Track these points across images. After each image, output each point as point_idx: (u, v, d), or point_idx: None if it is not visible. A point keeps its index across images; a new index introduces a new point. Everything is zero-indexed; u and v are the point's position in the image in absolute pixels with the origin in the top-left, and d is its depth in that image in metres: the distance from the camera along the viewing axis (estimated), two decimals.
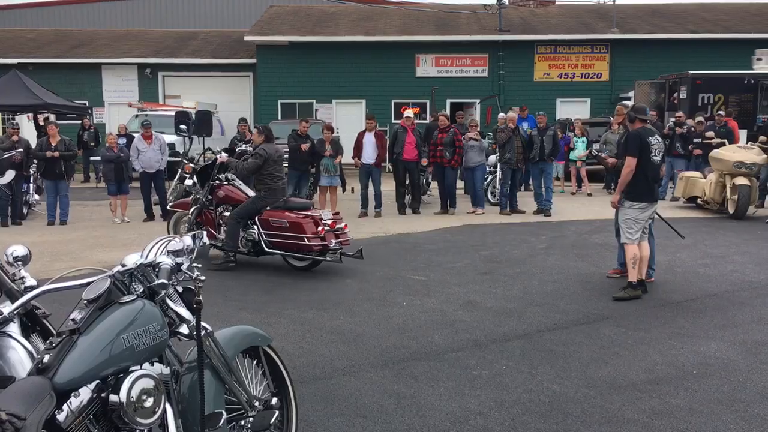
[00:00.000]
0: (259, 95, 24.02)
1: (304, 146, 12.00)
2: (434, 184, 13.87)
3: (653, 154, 6.71)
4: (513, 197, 12.96)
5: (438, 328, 5.76)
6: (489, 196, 13.70)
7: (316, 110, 23.16)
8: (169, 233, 9.26)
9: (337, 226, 8.00)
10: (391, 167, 13.10)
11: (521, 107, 16.49)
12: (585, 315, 6.18)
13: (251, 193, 8.50)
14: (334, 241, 7.85)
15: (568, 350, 5.22)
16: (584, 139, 15.76)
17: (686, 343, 5.38)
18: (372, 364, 4.92)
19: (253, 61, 24.02)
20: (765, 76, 17.70)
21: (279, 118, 22.48)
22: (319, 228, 7.72)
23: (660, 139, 6.97)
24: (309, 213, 7.97)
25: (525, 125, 14.03)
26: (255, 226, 8.07)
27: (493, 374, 4.71)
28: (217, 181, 8.68)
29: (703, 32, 23.18)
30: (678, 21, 24.62)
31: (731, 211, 11.74)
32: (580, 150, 15.55)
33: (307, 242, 7.67)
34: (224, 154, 8.85)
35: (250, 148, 9.01)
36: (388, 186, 13.10)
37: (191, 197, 9.10)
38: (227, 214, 8.41)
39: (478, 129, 13.69)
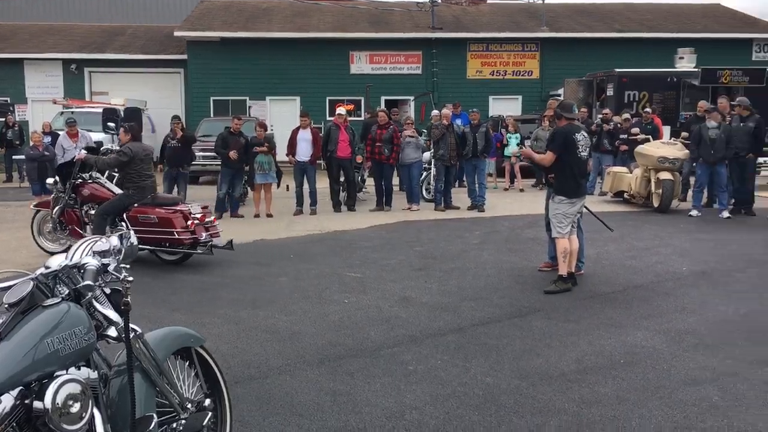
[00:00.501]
0: (190, 92, 23.56)
1: (232, 154, 11.79)
2: (370, 181, 13.90)
3: (579, 150, 6.90)
4: (447, 193, 13.11)
5: (374, 325, 5.78)
6: (424, 192, 13.82)
7: (249, 107, 22.88)
8: (33, 233, 9.10)
9: (207, 219, 8.24)
10: (325, 165, 13.05)
11: (454, 104, 16.70)
12: (517, 308, 6.31)
13: (117, 190, 8.51)
14: (204, 234, 8.06)
15: (501, 343, 5.32)
16: (517, 135, 16.08)
17: (614, 333, 5.55)
18: (308, 362, 4.89)
19: (184, 57, 23.53)
20: (687, 74, 18.43)
21: (211, 115, 22.10)
22: (189, 222, 7.92)
23: (586, 135, 7.17)
24: (178, 208, 8.13)
25: (458, 122, 14.21)
26: (123, 224, 8.10)
27: (428, 369, 4.76)
28: (80, 180, 8.65)
29: (628, 31, 23.97)
30: (605, 20, 25.37)
31: (656, 204, 12.18)
32: (513, 146, 15.85)
33: (177, 236, 7.85)
34: (83, 152, 8.87)
35: (117, 148, 9.09)
36: (323, 183, 13.06)
37: (52, 196, 8.96)
38: (93, 212, 8.40)
39: (414, 126, 13.79)
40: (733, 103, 12.27)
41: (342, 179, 12.87)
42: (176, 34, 23.10)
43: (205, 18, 24.73)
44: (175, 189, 12.30)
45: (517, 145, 15.64)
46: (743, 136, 11.56)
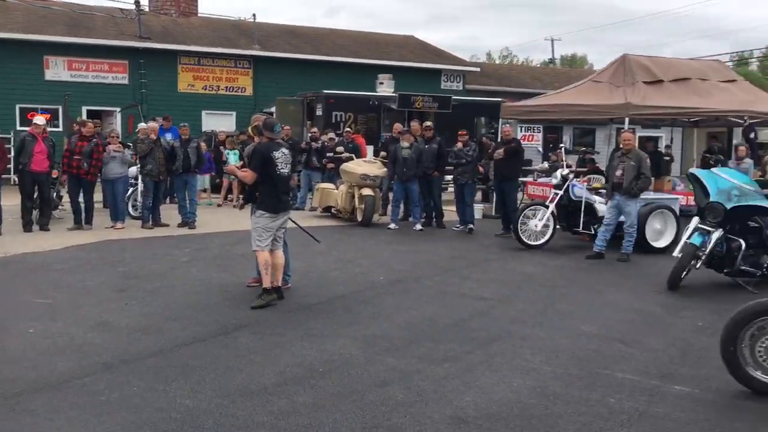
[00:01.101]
0: None
1: None
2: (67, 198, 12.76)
3: (279, 167, 7.05)
4: (156, 210, 12.56)
5: (63, 354, 5.29)
6: (130, 209, 13.09)
7: None
8: None
9: None
10: (16, 179, 11.68)
11: (165, 117, 16.13)
12: (223, 326, 6.25)
13: None
14: None
15: (204, 363, 5.21)
16: (236, 151, 15.99)
17: (315, 343, 5.77)
18: None
19: None
20: (387, 98, 19.98)
21: None
22: None
23: (286, 152, 7.30)
24: None
25: (168, 136, 13.74)
26: None
27: (123, 396, 4.48)
28: None
29: (335, 55, 25.30)
30: (313, 43, 26.49)
31: (360, 219, 12.99)
32: (232, 162, 15.70)
33: None
34: None
35: None
36: (11, 201, 11.67)
37: None
38: None
39: (120, 139, 12.99)
40: (423, 126, 13.59)
41: (35, 195, 11.62)
42: None
43: None
44: None
45: (239, 161, 15.55)
46: (429, 156, 12.87)
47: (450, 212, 13.54)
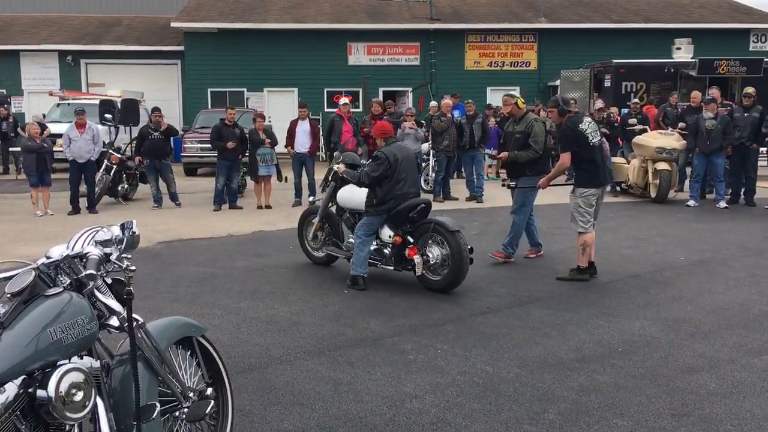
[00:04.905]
0: (187, 84, 23.50)
1: (230, 144, 11.85)
2: None
3: (590, 138, 6.80)
4: (446, 184, 13.12)
5: (373, 315, 5.80)
6: (423, 184, 13.83)
7: (247, 99, 22.83)
8: None
9: None
10: (325, 156, 13.03)
11: (452, 95, 16.67)
12: (517, 298, 6.33)
13: None
14: None
15: (500, 332, 5.34)
16: None
17: (612, 322, 5.58)
18: (308, 351, 4.91)
19: (181, 48, 23.46)
20: (683, 64, 18.41)
21: (209, 106, 22.06)
22: None
23: (591, 120, 7.08)
24: None
25: (456, 113, 14.21)
26: None
27: (428, 358, 4.78)
28: None
29: (625, 22, 23.91)
30: (601, 11, 25.30)
31: (653, 195, 12.21)
32: None
33: None
34: None
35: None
36: (323, 175, 13.02)
37: None
38: None
39: (414, 117, 13.78)
40: (743, 93, 12.22)
41: None
42: (173, 25, 23.01)
43: (202, 9, 24.63)
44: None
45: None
46: (749, 126, 11.56)
47: (762, 189, 12.10)
